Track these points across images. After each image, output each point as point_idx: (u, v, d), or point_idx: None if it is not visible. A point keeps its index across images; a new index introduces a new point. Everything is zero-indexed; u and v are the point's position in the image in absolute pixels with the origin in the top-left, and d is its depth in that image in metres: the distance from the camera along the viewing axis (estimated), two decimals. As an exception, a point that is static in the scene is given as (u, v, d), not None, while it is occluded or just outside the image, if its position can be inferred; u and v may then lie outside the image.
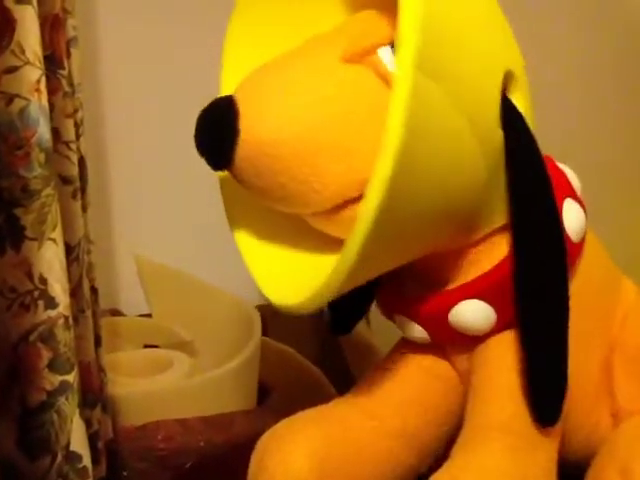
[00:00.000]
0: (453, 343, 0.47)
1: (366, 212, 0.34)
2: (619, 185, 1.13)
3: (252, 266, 0.45)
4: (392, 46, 0.40)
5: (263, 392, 0.75)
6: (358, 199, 0.38)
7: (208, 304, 0.82)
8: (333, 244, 0.43)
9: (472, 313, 0.43)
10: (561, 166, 0.48)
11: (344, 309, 0.52)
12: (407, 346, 0.50)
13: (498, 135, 0.40)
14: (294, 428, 0.46)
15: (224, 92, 0.46)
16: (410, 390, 0.49)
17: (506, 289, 0.42)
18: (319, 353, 0.85)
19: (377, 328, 0.53)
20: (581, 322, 0.46)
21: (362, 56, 0.40)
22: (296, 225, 0.45)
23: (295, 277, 0.44)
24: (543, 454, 0.42)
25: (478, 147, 0.38)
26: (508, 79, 0.41)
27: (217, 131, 0.38)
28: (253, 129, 0.37)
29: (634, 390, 0.48)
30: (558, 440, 0.44)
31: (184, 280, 0.84)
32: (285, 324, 0.83)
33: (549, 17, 1.05)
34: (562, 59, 1.07)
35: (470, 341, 0.45)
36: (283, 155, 0.37)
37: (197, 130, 0.39)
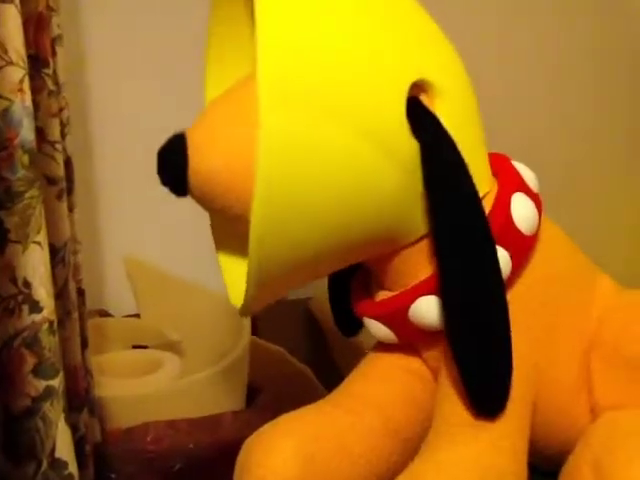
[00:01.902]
0: (417, 341, 0.49)
1: (252, 234, 0.39)
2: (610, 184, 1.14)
3: (227, 280, 0.51)
4: None
5: (252, 392, 0.75)
6: None
7: (197, 304, 0.82)
8: None
9: (429, 308, 0.44)
10: (516, 164, 0.49)
11: (346, 313, 0.54)
12: (383, 346, 0.51)
13: (409, 144, 0.42)
14: (279, 428, 0.47)
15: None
16: (390, 388, 0.50)
17: None
18: (309, 353, 0.85)
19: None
20: (550, 315, 0.47)
21: None
22: None
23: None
24: (506, 442, 0.43)
25: (385, 160, 0.41)
26: (422, 87, 0.43)
27: (170, 163, 0.44)
28: (197, 161, 0.43)
29: (611, 386, 0.48)
30: (525, 426, 0.44)
31: (172, 281, 0.84)
32: (275, 324, 0.82)
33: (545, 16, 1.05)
34: (562, 59, 1.07)
35: (433, 338, 0.46)
36: (221, 180, 0.43)
37: (157, 165, 0.45)
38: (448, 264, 0.42)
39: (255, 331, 0.78)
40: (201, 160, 0.43)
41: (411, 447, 0.48)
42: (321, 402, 0.50)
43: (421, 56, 0.44)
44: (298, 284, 0.46)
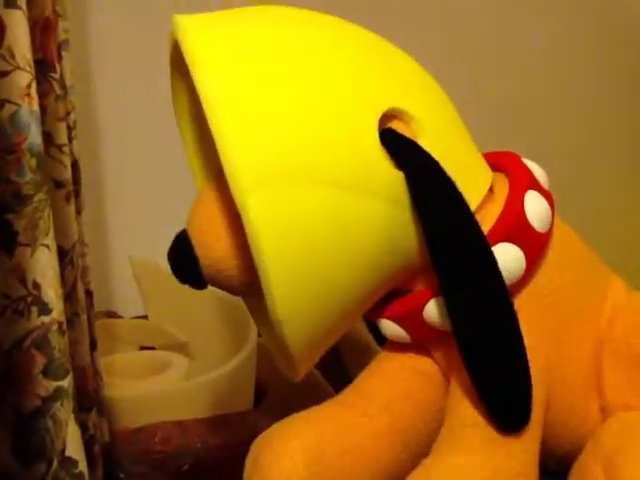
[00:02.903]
0: (431, 340, 0.48)
1: (275, 320, 0.40)
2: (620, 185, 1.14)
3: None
4: None
5: (260, 393, 0.75)
6: None
7: (204, 305, 0.82)
8: None
9: (444, 308, 0.44)
10: (527, 161, 0.49)
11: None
12: (394, 346, 0.51)
13: (391, 175, 0.41)
14: (288, 429, 0.47)
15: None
16: (397, 388, 0.50)
17: None
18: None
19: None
20: (562, 314, 0.47)
21: None
22: None
23: None
24: (518, 445, 0.43)
25: (371, 202, 0.41)
26: (396, 116, 0.43)
27: (184, 268, 0.46)
28: (203, 257, 0.44)
29: (622, 385, 0.48)
30: (537, 428, 0.44)
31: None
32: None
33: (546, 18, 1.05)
34: (565, 58, 1.07)
35: (447, 338, 0.46)
36: (232, 267, 0.44)
37: (171, 267, 0.47)
38: (452, 295, 0.41)
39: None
40: (206, 254, 0.44)
41: (418, 448, 0.48)
42: (329, 402, 0.50)
43: (386, 86, 0.43)
44: (335, 339, 0.47)
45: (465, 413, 0.44)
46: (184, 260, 0.45)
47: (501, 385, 0.42)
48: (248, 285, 0.44)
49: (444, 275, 0.41)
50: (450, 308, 0.42)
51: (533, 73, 1.06)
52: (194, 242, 0.44)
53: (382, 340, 0.55)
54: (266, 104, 0.40)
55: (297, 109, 0.40)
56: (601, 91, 1.11)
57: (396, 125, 0.43)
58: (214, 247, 0.44)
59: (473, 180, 0.46)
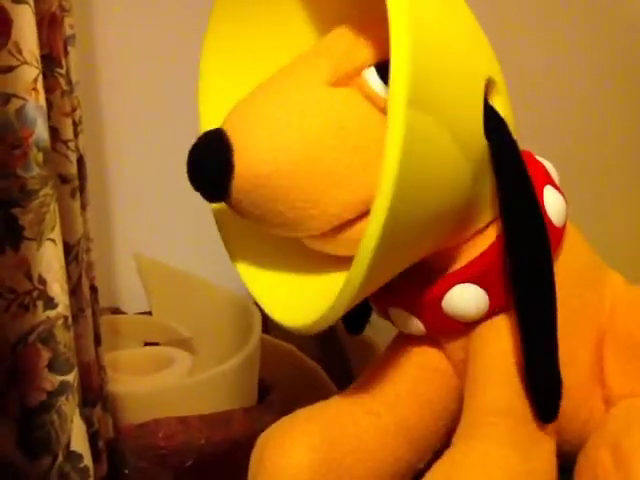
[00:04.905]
0: (448, 332, 0.48)
1: (370, 236, 0.35)
2: (617, 185, 1.14)
3: (256, 292, 0.46)
4: (376, 66, 0.41)
5: (264, 390, 0.75)
6: (356, 220, 0.41)
7: (208, 301, 0.82)
8: (334, 262, 0.44)
9: (465, 297, 0.44)
10: (540, 159, 0.49)
11: (353, 310, 0.53)
12: (402, 342, 0.51)
13: (482, 143, 0.41)
14: (293, 425, 0.47)
15: (203, 120, 0.47)
16: (405, 385, 0.49)
17: (496, 272, 0.43)
18: (320, 350, 0.85)
19: (378, 325, 0.53)
20: (567, 309, 0.47)
21: (347, 79, 0.41)
22: (294, 247, 0.46)
23: (301, 298, 0.45)
24: (546, 444, 0.43)
25: (462, 156, 0.39)
26: (489, 86, 0.42)
27: (212, 167, 0.38)
28: (248, 163, 0.38)
29: (625, 376, 0.48)
30: (555, 432, 0.44)
31: (184, 277, 0.84)
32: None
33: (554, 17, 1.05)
34: (566, 58, 1.07)
35: (464, 329, 0.46)
36: (279, 186, 0.38)
37: (190, 165, 0.39)
38: (515, 248, 0.42)
39: (266, 328, 0.79)
40: (250, 163, 0.38)
41: (425, 446, 0.48)
42: (335, 399, 0.49)
43: (487, 54, 0.43)
44: (386, 280, 0.43)
45: (492, 403, 0.43)
46: (216, 163, 0.38)
47: (546, 370, 0.42)
48: (276, 210, 0.39)
49: (512, 242, 0.42)
50: (513, 264, 0.42)
51: (533, 73, 1.06)
52: (235, 144, 0.38)
53: (354, 329, 0.55)
54: (434, 29, 0.38)
55: (447, 43, 0.38)
56: (601, 91, 1.10)
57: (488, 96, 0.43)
58: (260, 158, 0.37)
59: None
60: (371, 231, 0.35)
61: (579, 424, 0.48)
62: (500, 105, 0.43)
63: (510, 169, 0.42)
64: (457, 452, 0.42)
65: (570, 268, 0.48)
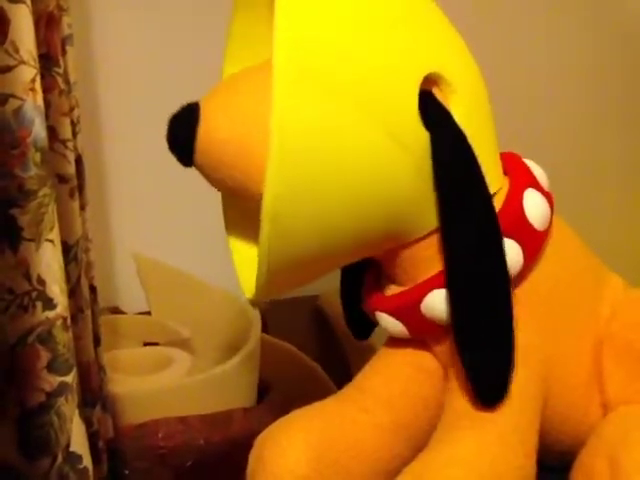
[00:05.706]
0: (430, 335, 0.49)
1: (265, 210, 0.40)
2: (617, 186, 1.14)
3: (238, 263, 0.50)
4: None
5: (263, 389, 0.75)
6: None
7: (207, 302, 0.82)
8: None
9: (441, 302, 0.44)
10: (528, 162, 0.49)
11: (358, 316, 0.54)
12: (394, 342, 0.51)
13: (420, 136, 0.42)
14: (291, 425, 0.47)
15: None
16: (398, 384, 0.50)
17: None
18: (319, 350, 0.85)
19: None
20: (560, 311, 0.48)
21: None
22: None
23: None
24: (515, 437, 0.43)
25: (397, 149, 0.41)
26: (434, 81, 0.43)
27: (180, 132, 0.45)
28: (208, 130, 0.44)
29: (623, 381, 0.48)
30: (535, 422, 0.44)
31: (183, 278, 0.84)
32: (284, 321, 0.83)
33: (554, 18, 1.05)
34: (566, 59, 1.07)
35: (445, 332, 0.46)
36: (234, 153, 0.43)
37: (167, 131, 0.45)
38: (456, 257, 0.42)
39: (265, 328, 0.78)
40: (211, 129, 0.43)
41: (419, 444, 0.48)
42: (332, 398, 0.50)
43: (433, 50, 0.44)
44: (310, 275, 0.46)
45: (459, 403, 0.44)
46: (183, 127, 0.44)
47: (485, 355, 0.42)
48: (231, 177, 0.44)
49: (451, 242, 0.42)
50: (450, 273, 0.43)
51: (532, 73, 1.06)
52: (202, 114, 0.44)
53: (360, 334, 0.56)
54: (332, 20, 0.41)
55: (357, 37, 0.41)
56: (600, 91, 1.11)
57: (434, 90, 0.44)
58: (221, 126, 0.43)
59: (493, 162, 0.47)
60: (265, 203, 0.39)
61: (572, 425, 0.49)
62: (457, 103, 0.44)
63: (449, 158, 0.42)
64: (426, 456, 0.43)
65: (560, 269, 0.48)
